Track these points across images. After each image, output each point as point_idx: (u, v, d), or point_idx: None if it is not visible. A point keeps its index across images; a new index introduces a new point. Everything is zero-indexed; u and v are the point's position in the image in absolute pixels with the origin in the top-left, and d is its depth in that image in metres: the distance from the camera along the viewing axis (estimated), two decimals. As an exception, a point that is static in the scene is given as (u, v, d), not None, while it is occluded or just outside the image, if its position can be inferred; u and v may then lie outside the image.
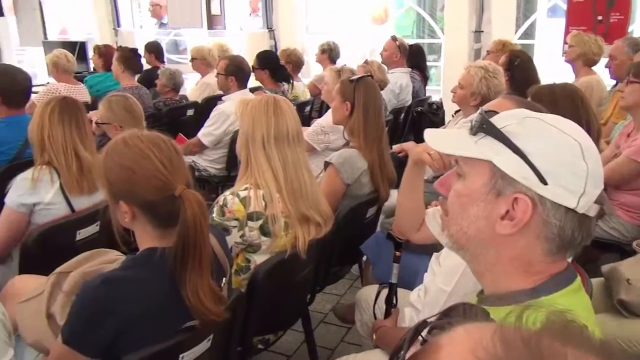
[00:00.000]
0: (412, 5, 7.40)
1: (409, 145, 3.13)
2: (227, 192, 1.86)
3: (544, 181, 0.81)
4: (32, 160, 2.26)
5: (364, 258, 2.60)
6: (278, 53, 5.25)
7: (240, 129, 1.96)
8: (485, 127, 0.87)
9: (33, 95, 3.78)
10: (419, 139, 3.58)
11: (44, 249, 2.03)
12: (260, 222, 1.84)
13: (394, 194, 2.66)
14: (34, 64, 8.18)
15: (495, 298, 0.89)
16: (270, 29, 6.35)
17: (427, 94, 5.01)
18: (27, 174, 2.13)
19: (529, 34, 5.72)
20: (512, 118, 0.87)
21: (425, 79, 5.06)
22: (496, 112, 0.89)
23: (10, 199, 2.11)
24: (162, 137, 1.34)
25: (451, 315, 0.57)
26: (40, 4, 7.19)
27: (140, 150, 1.29)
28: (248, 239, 1.85)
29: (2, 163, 2.87)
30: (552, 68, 4.76)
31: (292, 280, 1.93)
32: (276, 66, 4.50)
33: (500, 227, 0.85)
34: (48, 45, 6.79)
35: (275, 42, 6.30)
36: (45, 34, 7.30)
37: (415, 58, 4.88)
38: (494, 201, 0.85)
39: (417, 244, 1.71)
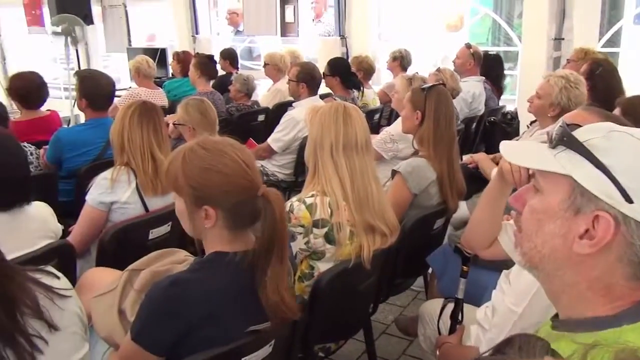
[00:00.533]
0: (488, 11, 7.21)
1: (480, 157, 3.07)
2: (294, 199, 1.87)
3: (629, 199, 0.76)
4: (112, 161, 2.38)
5: (430, 270, 2.55)
6: (349, 60, 5.26)
7: (309, 136, 1.97)
8: (566, 140, 0.82)
9: (116, 99, 4.00)
10: (491, 150, 3.51)
11: (119, 245, 2.12)
12: (326, 229, 1.83)
13: (462, 205, 2.61)
14: (118, 69, 8.62)
15: (572, 324, 0.84)
16: (342, 36, 6.38)
17: (501, 104, 4.85)
18: (107, 174, 2.24)
19: (613, 41, 5.42)
20: (596, 131, 0.82)
21: (498, 88, 4.90)
22: (578, 126, 0.84)
23: (91, 197, 2.22)
24: (232, 140, 1.37)
25: (505, 352, 0.53)
26: (126, 13, 7.58)
27: (224, 152, 1.31)
28: (313, 246, 1.85)
29: (85, 162, 3.03)
30: (639, 78, 4.48)
31: (355, 289, 1.92)
32: (347, 73, 4.50)
33: (578, 246, 0.80)
34: (132, 52, 7.14)
35: (347, 49, 6.31)
36: (129, 41, 7.69)
37: (489, 66, 4.74)
38: (573, 219, 0.81)
39: (487, 259, 1.64)
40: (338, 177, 1.86)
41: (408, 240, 2.13)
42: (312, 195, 1.85)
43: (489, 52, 4.96)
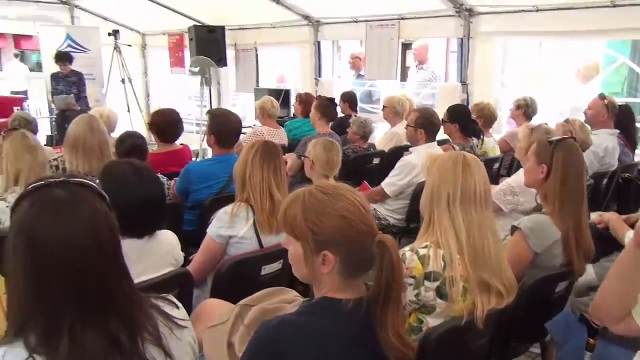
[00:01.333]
0: (625, 60, 6.72)
1: (611, 217, 2.78)
2: (407, 248, 1.82)
3: None
4: (234, 196, 2.49)
5: (549, 337, 2.34)
6: (470, 107, 5.13)
7: (426, 185, 1.93)
8: None
9: (241, 137, 4.21)
10: (624, 210, 3.17)
11: (234, 278, 2.20)
12: (438, 283, 1.76)
13: (589, 269, 2.38)
14: (245, 107, 9.17)
15: None
16: (464, 83, 6.27)
17: (637, 159, 4.45)
18: (228, 209, 2.34)
19: None
20: None
21: (632, 142, 4.50)
22: None
23: (212, 229, 2.33)
24: (346, 185, 1.37)
25: None
26: (257, 56, 8.09)
27: (343, 196, 1.32)
28: (423, 299, 1.78)
29: (209, 195, 3.20)
30: None
31: (466, 349, 1.81)
32: (467, 120, 4.38)
33: None
34: (259, 92, 7.57)
35: (468, 96, 6.19)
36: (257, 82, 8.16)
37: (623, 119, 4.37)
38: None
39: (619, 334, 1.47)
40: (454, 229, 1.79)
41: (526, 302, 1.99)
42: (426, 247, 1.79)
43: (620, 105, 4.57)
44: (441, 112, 4.25)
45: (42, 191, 1.09)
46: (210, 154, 7.02)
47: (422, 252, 1.78)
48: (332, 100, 4.88)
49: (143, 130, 9.08)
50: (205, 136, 7.15)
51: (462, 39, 6.04)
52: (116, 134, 4.18)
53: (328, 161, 2.85)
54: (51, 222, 1.05)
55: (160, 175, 3.11)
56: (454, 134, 4.35)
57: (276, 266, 2.33)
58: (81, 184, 1.12)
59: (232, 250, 2.32)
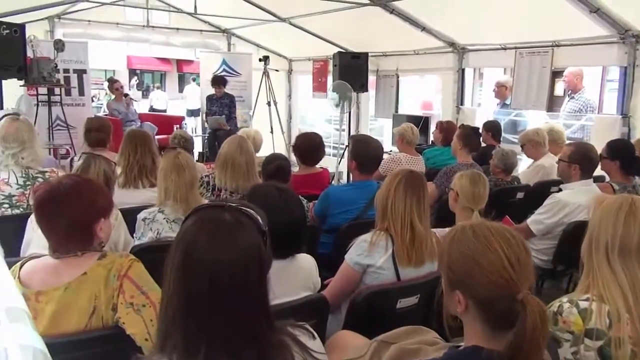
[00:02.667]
0: None
1: None
2: (564, 298, 1.63)
3: None
4: (371, 222, 2.45)
5: None
6: (633, 142, 4.62)
7: (588, 228, 1.73)
8: None
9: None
10: None
11: (369, 309, 2.14)
12: (601, 342, 1.55)
13: None
14: (382, 132, 9.20)
15: None
16: (625, 115, 5.67)
17: None
18: (367, 237, 2.30)
19: None
20: None
21: None
22: None
23: (350, 256, 2.30)
24: (511, 231, 1.28)
25: None
26: (397, 82, 8.08)
27: (488, 242, 1.24)
28: (582, 359, 1.58)
29: (346, 220, 3.20)
30: None
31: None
32: (629, 157, 3.93)
33: None
34: (396, 118, 7.54)
35: (630, 130, 5.59)
36: (397, 108, 8.14)
37: None
38: None
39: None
40: (617, 283, 1.60)
41: None
42: (587, 299, 1.60)
43: None
44: (596, 146, 3.87)
45: (210, 210, 1.14)
46: (344, 177, 7.20)
47: (583, 305, 1.59)
48: (475, 129, 4.68)
49: (283, 150, 9.53)
50: (340, 159, 7.32)
51: (625, 67, 5.49)
52: (259, 154, 4.40)
53: (474, 194, 2.70)
54: (208, 241, 1.08)
55: (300, 197, 3.19)
56: (613, 171, 3.93)
57: (412, 300, 2.24)
58: (248, 214, 1.14)
59: (368, 279, 2.27)
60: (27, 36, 6.05)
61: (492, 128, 5.79)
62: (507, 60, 6.44)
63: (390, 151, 6.36)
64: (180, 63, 34.85)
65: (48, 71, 6.46)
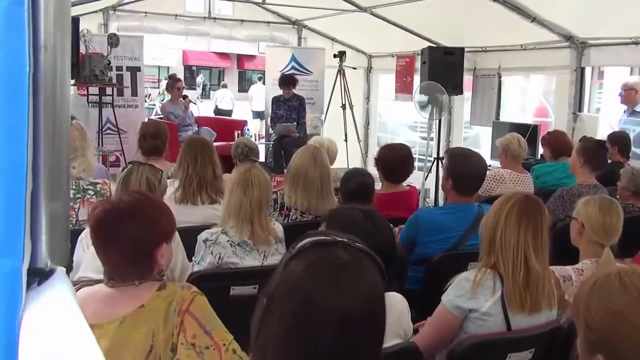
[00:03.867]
0: None
1: None
2: None
3: None
4: (469, 254, 2.37)
5: None
6: None
7: None
8: None
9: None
10: None
11: (471, 363, 2.06)
12: None
13: None
14: (478, 143, 9.00)
15: None
16: None
17: None
18: (470, 275, 2.21)
19: None
20: None
21: None
22: None
23: (448, 297, 2.23)
24: None
25: None
26: (499, 83, 7.88)
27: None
28: None
29: (439, 250, 3.12)
30: None
31: None
32: None
33: None
34: (498, 127, 7.34)
35: None
36: (498, 113, 7.92)
37: None
38: None
39: None
40: None
41: None
42: None
43: None
44: None
45: (323, 249, 1.11)
46: (431, 195, 7.08)
47: None
48: (600, 143, 4.46)
49: (359, 162, 9.53)
50: (427, 174, 7.22)
51: None
52: (332, 166, 4.40)
53: (605, 226, 2.55)
54: (331, 288, 1.06)
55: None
56: None
57: (526, 355, 2.15)
58: (360, 249, 1.13)
59: (470, 327, 2.19)
60: (80, 30, 6.40)
61: (619, 141, 5.50)
62: (638, 58, 6.14)
63: (490, 166, 6.18)
64: (241, 59, 35.84)
65: (100, 69, 6.82)
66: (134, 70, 8.24)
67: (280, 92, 8.32)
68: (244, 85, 32.31)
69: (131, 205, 1.78)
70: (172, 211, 1.91)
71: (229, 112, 18.17)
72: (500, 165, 5.13)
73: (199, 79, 33.36)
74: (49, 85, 0.91)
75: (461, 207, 3.20)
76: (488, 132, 7.77)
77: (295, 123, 8.16)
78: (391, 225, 3.20)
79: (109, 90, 7.43)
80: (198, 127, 8.47)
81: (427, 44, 7.90)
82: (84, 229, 2.72)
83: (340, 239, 1.12)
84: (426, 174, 7.17)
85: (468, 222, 3.12)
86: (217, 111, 18.19)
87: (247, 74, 36.92)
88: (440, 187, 6.58)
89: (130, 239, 1.73)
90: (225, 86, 20.05)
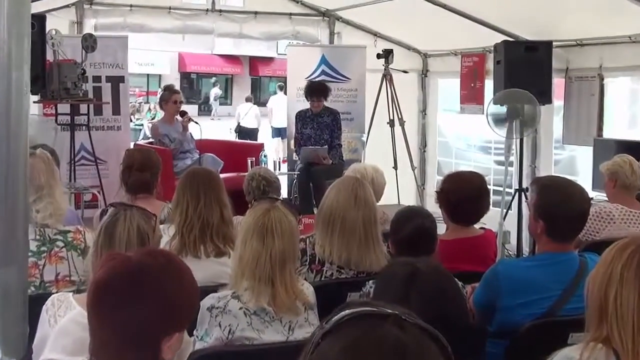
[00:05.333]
0: None
1: None
2: None
3: None
4: (572, 322, 2.30)
5: None
6: None
7: None
8: None
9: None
10: None
11: None
12: None
13: None
14: (573, 168, 8.88)
15: None
16: None
17: None
18: (574, 352, 2.15)
19: None
20: None
21: None
22: None
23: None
24: None
25: None
26: (601, 88, 7.78)
27: None
28: None
29: (529, 317, 3.06)
30: None
31: None
32: None
33: None
34: (600, 146, 7.23)
35: None
36: (600, 128, 7.81)
37: None
38: None
39: None
40: None
41: None
42: None
43: None
44: None
45: (364, 326, 1.09)
46: (513, 240, 6.96)
47: None
48: None
49: (413, 196, 9.48)
50: (506, 211, 7.11)
51: None
52: (380, 202, 4.36)
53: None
54: None
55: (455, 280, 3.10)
56: None
57: None
58: (419, 325, 1.11)
59: None
60: (47, 31, 6.53)
61: None
62: None
63: (592, 200, 6.08)
64: (254, 63, 36.40)
65: (73, 80, 6.95)
66: (116, 81, 8.40)
67: (307, 105, 8.36)
68: (258, 96, 32.71)
69: (148, 272, 1.78)
70: (197, 286, 1.90)
71: (254, 132, 18.41)
72: (606, 199, 5.09)
73: (215, 91, 33.87)
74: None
75: (557, 258, 3.16)
76: (588, 153, 7.66)
77: (326, 146, 8.19)
78: (461, 283, 3.17)
79: (83, 108, 7.56)
80: (200, 154, 8.52)
81: (502, 37, 7.89)
82: (50, 294, 2.72)
83: (392, 311, 1.10)
84: (505, 211, 7.08)
85: (567, 278, 3.08)
86: (240, 130, 18.44)
87: (262, 83, 37.44)
88: (525, 229, 6.51)
89: (137, 320, 1.73)
90: (250, 100, 20.34)
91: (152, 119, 21.44)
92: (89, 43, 7.32)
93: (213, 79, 35.07)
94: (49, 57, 6.91)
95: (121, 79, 8.46)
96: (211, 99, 34.51)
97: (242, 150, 9.94)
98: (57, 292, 3.04)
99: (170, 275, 1.82)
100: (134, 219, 2.83)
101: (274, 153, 16.10)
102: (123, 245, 2.66)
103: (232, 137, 18.13)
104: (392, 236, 3.45)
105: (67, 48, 7.30)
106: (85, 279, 3.26)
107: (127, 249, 2.58)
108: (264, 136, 18.03)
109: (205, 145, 8.92)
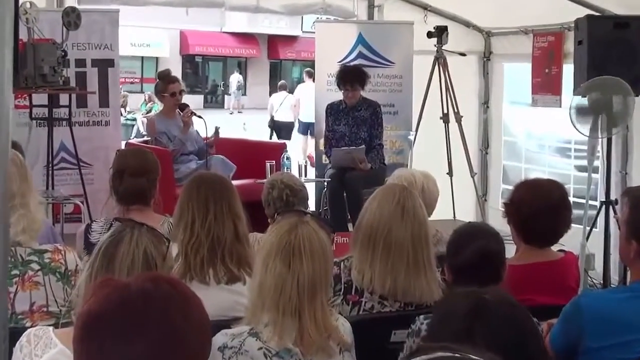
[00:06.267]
0: None
1: None
2: None
3: None
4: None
5: None
6: None
7: None
8: None
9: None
10: None
11: None
12: None
13: None
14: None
15: None
16: None
17: None
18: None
19: None
20: None
21: None
22: None
23: None
24: None
25: None
26: None
27: None
28: None
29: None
30: None
31: None
32: None
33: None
34: None
35: None
36: None
37: None
38: None
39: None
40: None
41: None
42: None
43: None
44: None
45: None
46: (598, 266, 6.90)
47: None
48: None
49: (472, 210, 9.43)
50: (590, 229, 7.06)
51: None
52: (432, 217, 4.36)
53: None
54: None
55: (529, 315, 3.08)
56: None
57: None
58: None
59: None
60: (20, 4, 6.57)
61: None
62: None
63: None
64: (273, 43, 36.44)
65: (51, 64, 6.97)
66: (105, 66, 8.43)
67: (339, 95, 8.36)
68: (277, 81, 32.80)
69: (150, 301, 1.78)
70: (209, 320, 1.90)
71: (290, 126, 18.49)
72: None
73: (235, 78, 33.94)
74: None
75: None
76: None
77: (364, 147, 8.18)
78: (535, 320, 3.15)
79: (64, 98, 7.62)
80: (207, 156, 8.53)
81: (585, 11, 7.84)
82: (24, 329, 2.72)
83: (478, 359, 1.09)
84: (588, 229, 7.03)
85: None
86: (274, 126, 18.52)
87: (283, 68, 37.45)
88: (614, 251, 6.45)
89: (136, 359, 1.73)
90: (284, 87, 20.36)
91: (148, 112, 21.61)
92: (71, 19, 7.33)
93: (229, 63, 35.22)
94: (22, 36, 6.87)
95: (110, 62, 8.48)
96: (232, 87, 34.51)
97: (259, 151, 9.84)
98: (32, 326, 3.06)
99: (176, 305, 1.81)
100: (142, 241, 2.83)
101: (300, 153, 16.09)
102: (124, 272, 2.67)
103: (247, 134, 18.19)
104: (449, 260, 3.43)
105: (44, 25, 7.34)
106: (67, 310, 3.27)
107: (129, 276, 2.57)
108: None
109: (218, 146, 8.91)
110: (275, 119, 18.86)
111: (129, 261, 2.75)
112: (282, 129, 18.24)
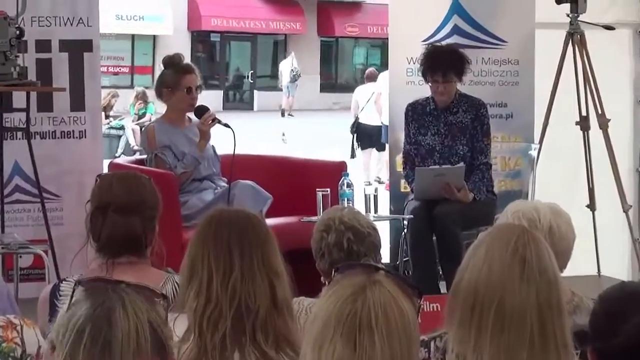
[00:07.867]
0: None
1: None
2: None
3: None
4: None
5: None
6: None
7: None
8: None
9: None
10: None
11: None
12: None
13: None
14: None
15: None
16: None
17: None
18: None
19: None
20: None
21: None
22: None
23: None
24: None
25: None
26: None
27: None
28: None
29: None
30: None
31: None
32: None
33: None
34: None
35: None
36: None
37: None
38: None
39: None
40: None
41: None
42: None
43: None
44: None
45: None
46: None
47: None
48: None
49: (627, 262, 9.41)
50: None
51: None
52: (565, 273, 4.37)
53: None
54: None
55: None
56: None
57: None
58: None
59: None
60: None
61: None
62: None
63: None
64: (325, 13, 36.54)
65: (1, 48, 7.07)
66: (79, 49, 8.56)
67: (425, 90, 8.39)
68: (334, 73, 32.98)
69: None
70: None
71: (376, 132, 18.57)
72: None
73: (289, 64, 33.88)
74: None
75: None
76: None
77: (462, 165, 8.22)
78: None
79: (19, 98, 7.70)
80: (229, 182, 8.52)
81: None
82: None
83: None
84: None
85: None
86: (358, 131, 18.72)
87: (341, 49, 37.59)
88: None
89: None
90: (372, 77, 20.45)
91: (140, 117, 21.88)
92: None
93: (261, 44, 35.46)
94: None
95: (87, 45, 8.59)
96: (283, 78, 34.14)
97: (306, 174, 9.74)
98: None
99: None
100: (141, 309, 2.79)
101: (363, 174, 16.14)
102: None
103: (287, 148, 18.28)
104: (596, 341, 3.42)
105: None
106: None
107: None
108: (338, 148, 18.33)
109: (235, 166, 8.69)
110: (360, 121, 18.96)
111: (134, 346, 2.69)
112: (367, 134, 18.34)
